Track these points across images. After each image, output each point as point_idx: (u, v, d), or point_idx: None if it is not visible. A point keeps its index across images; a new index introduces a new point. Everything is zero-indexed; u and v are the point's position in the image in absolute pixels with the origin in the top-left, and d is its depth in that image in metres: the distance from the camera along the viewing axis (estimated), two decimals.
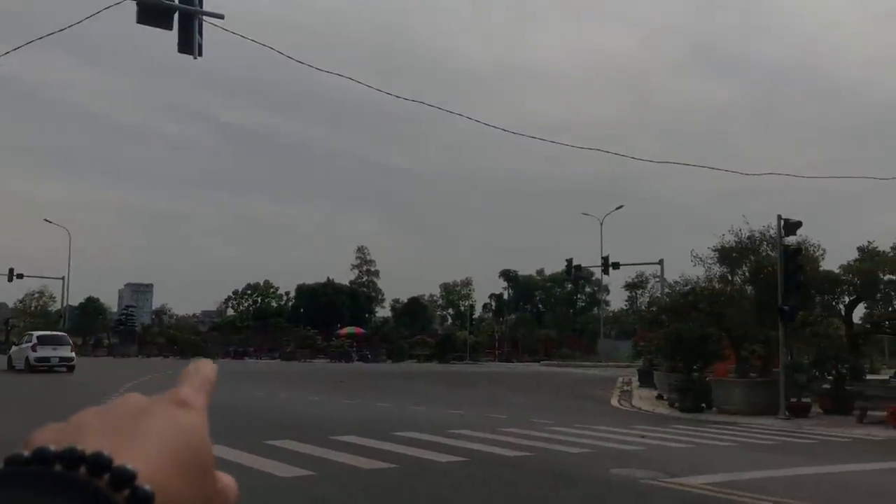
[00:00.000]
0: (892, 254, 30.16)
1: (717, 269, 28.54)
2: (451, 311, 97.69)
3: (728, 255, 28.24)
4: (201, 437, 0.49)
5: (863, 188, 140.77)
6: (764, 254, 26.20)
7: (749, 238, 27.54)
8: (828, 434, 17.32)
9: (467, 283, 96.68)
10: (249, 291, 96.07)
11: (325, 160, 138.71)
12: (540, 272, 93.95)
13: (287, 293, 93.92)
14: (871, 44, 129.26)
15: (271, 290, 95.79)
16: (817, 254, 26.09)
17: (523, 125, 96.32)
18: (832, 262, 27.33)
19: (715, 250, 28.42)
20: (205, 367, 0.58)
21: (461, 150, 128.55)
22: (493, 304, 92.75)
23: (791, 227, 21.56)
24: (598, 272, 51.45)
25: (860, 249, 31.49)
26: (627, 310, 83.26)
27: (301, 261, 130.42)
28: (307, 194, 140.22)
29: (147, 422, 0.47)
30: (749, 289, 26.15)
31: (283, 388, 26.25)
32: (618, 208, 56.62)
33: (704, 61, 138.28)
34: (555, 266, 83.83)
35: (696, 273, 29.12)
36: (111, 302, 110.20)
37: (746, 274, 26.99)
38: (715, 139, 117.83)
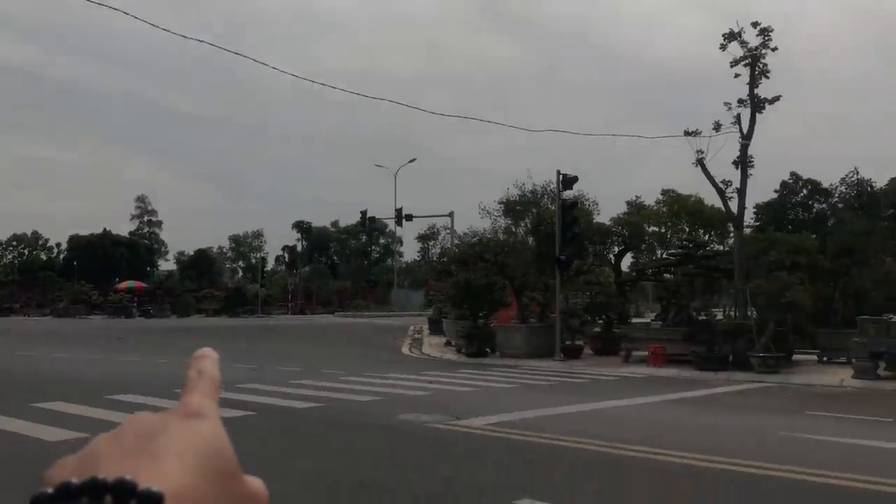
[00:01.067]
0: (655, 207, 33.13)
1: (502, 222, 30.00)
2: (241, 263, 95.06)
3: (512, 209, 29.73)
4: (221, 445, 0.48)
5: (632, 146, 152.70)
6: (544, 207, 27.80)
7: (532, 192, 29.13)
8: (597, 373, 18.84)
9: (258, 234, 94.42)
10: (15, 243, 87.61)
11: (103, 102, 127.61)
12: (334, 224, 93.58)
13: (58, 245, 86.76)
14: (642, 6, 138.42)
15: (40, 241, 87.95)
16: (591, 207, 28.09)
17: (317, 73, 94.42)
18: (605, 215, 29.61)
19: (501, 203, 29.82)
20: (208, 366, 0.54)
21: (253, 97, 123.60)
22: (287, 256, 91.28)
23: (568, 182, 22.92)
24: (391, 224, 51.97)
25: (628, 203, 34.26)
26: (420, 261, 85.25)
27: (74, 210, 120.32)
28: (82, 139, 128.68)
29: (163, 440, 0.46)
30: (531, 240, 27.65)
31: (56, 347, 24.32)
32: (411, 161, 57.39)
33: (493, 17, 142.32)
34: (349, 218, 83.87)
35: (484, 225, 30.43)
36: None
37: (528, 226, 28.53)
38: (503, 95, 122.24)
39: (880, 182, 27.16)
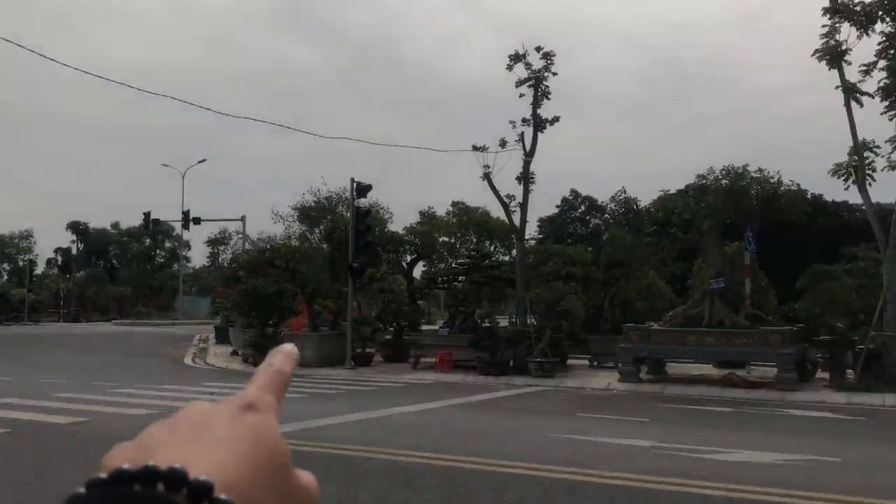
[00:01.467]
0: (446, 218, 34.07)
1: (296, 227, 29.52)
2: (6, 266, 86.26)
3: (307, 214, 29.34)
4: (273, 438, 0.48)
5: (426, 158, 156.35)
6: (339, 214, 27.70)
7: (327, 198, 28.92)
8: (386, 380, 18.97)
9: (27, 234, 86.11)
10: None
11: None
12: (115, 225, 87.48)
13: None
14: (443, 23, 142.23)
15: None
16: (386, 216, 28.37)
17: (99, 65, 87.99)
18: (398, 224, 30.02)
19: (295, 209, 29.34)
20: (279, 360, 0.55)
21: (21, 84, 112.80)
22: (60, 258, 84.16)
23: (362, 190, 22.97)
24: (178, 227, 49.50)
25: (421, 213, 34.98)
26: (209, 266, 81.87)
27: None
28: None
29: (215, 431, 0.46)
30: (325, 246, 27.41)
31: None
32: (200, 161, 55.18)
33: (294, 20, 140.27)
34: (132, 219, 78.83)
35: (277, 230, 29.77)
36: None
37: (323, 232, 28.28)
38: (301, 100, 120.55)
39: (645, 200, 29.69)
